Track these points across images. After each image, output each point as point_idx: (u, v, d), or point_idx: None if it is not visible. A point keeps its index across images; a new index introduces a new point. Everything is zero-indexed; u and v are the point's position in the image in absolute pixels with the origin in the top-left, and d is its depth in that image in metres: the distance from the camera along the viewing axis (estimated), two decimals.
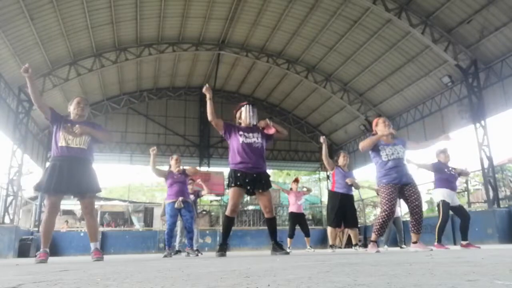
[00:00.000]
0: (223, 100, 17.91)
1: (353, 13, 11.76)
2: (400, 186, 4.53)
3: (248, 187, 4.20)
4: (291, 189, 8.65)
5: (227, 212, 4.29)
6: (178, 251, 7.97)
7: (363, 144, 4.68)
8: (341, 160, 6.71)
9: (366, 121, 14.96)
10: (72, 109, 4.07)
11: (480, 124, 10.74)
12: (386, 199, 4.49)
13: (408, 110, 14.13)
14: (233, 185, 4.18)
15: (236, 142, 4.30)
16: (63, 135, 3.84)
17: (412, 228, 4.58)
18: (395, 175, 4.51)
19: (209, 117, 4.33)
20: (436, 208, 5.91)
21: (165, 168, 6.51)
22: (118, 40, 12.91)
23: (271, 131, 4.40)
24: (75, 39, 11.95)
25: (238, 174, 4.18)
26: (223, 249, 4.30)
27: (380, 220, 4.55)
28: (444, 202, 5.66)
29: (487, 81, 10.88)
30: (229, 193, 4.26)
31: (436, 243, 5.57)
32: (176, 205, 6.10)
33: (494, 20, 9.84)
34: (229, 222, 4.34)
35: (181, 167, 6.47)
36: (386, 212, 4.48)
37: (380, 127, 4.76)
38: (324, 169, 18.96)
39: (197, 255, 6.72)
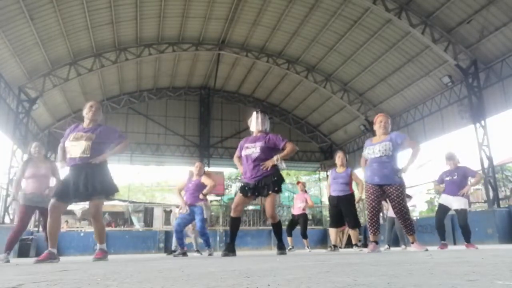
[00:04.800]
0: (223, 100, 17.94)
1: (353, 13, 11.75)
2: (382, 186, 4.54)
3: (252, 193, 4.42)
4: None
5: (231, 213, 4.54)
6: (174, 251, 8.01)
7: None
8: (336, 161, 6.62)
9: (366, 121, 14.96)
10: (84, 113, 4.07)
11: (480, 124, 10.73)
12: (367, 198, 4.67)
13: (408, 110, 14.13)
14: (239, 191, 4.58)
15: (245, 157, 4.56)
16: (69, 147, 3.92)
17: (405, 230, 4.70)
18: (369, 173, 4.63)
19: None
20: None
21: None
22: (118, 40, 12.90)
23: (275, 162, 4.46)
24: (75, 39, 11.94)
25: (242, 184, 4.55)
26: (227, 248, 4.41)
27: (368, 220, 4.68)
28: (438, 205, 6.11)
29: (487, 81, 10.87)
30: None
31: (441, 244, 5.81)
32: (182, 211, 6.19)
33: (494, 20, 9.84)
34: (231, 222, 4.56)
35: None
36: (368, 211, 4.67)
37: (375, 127, 4.76)
38: (324, 169, 18.96)
39: (203, 254, 6.73)
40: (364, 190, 4.71)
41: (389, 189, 4.48)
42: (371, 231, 4.65)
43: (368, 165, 4.68)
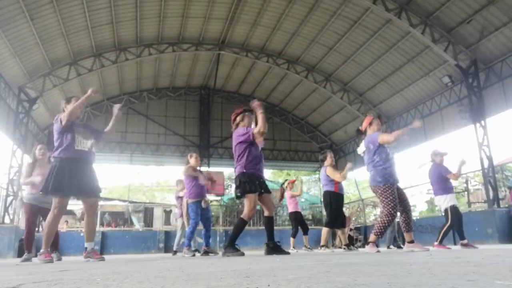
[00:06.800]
0: (223, 100, 17.93)
1: (353, 13, 11.75)
2: None
3: (260, 191, 4.36)
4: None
5: (246, 217, 4.30)
6: (175, 251, 8.00)
7: (389, 138, 4.46)
8: (330, 161, 6.62)
9: None
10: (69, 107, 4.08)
11: (480, 124, 10.73)
12: (393, 199, 4.43)
13: (408, 110, 14.12)
14: (255, 191, 4.24)
15: (257, 147, 4.38)
16: (78, 139, 3.91)
17: (407, 227, 4.56)
18: (396, 174, 4.56)
19: (263, 128, 4.21)
20: (441, 211, 5.95)
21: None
22: (118, 40, 12.90)
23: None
24: (75, 39, 11.94)
25: (258, 181, 4.28)
26: (238, 248, 4.37)
27: (386, 224, 4.44)
28: (453, 207, 5.69)
29: (487, 81, 10.87)
30: (250, 198, 4.26)
31: (436, 243, 5.58)
32: (203, 205, 6.13)
33: (494, 20, 9.84)
34: (244, 226, 4.41)
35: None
36: (393, 212, 4.43)
37: (375, 127, 4.75)
38: None
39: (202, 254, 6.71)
40: (391, 191, 4.44)
41: (399, 188, 4.61)
42: (381, 235, 4.51)
43: (389, 164, 4.52)
